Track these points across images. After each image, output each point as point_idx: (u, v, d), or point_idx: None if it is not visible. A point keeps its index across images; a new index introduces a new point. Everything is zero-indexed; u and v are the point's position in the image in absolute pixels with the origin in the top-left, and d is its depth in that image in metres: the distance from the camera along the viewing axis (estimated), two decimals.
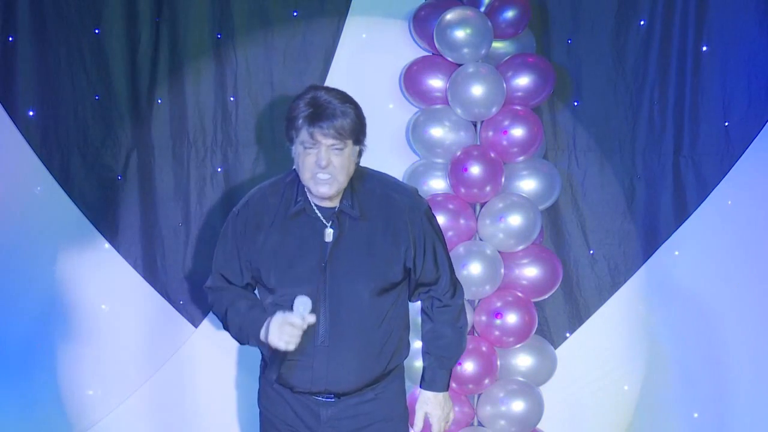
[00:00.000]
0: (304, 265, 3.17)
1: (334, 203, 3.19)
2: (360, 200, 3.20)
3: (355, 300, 3.17)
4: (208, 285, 3.38)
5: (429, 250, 3.27)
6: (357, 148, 3.16)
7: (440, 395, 3.38)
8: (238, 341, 3.30)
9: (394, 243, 3.20)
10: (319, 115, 3.05)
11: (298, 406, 3.25)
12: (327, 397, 3.23)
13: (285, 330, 3.04)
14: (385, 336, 3.23)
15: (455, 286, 3.36)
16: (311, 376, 3.19)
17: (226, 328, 3.34)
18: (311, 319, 3.06)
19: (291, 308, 3.06)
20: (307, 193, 3.19)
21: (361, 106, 3.20)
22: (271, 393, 3.30)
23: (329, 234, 3.17)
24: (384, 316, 3.22)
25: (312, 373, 3.19)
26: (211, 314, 4.42)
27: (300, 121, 3.07)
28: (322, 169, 3.07)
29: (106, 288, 4.39)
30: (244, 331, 3.23)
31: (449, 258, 3.36)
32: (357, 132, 3.12)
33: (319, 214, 3.19)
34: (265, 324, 3.13)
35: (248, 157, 4.44)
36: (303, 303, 3.04)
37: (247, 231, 3.25)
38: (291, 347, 3.07)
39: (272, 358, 3.16)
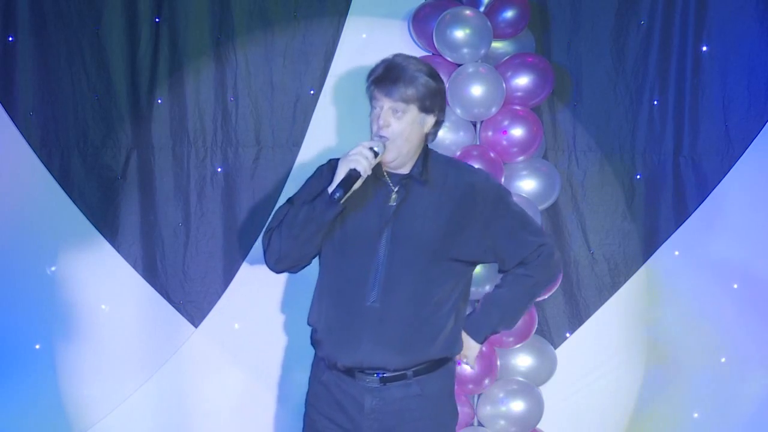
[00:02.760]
0: (366, 226, 3.18)
1: (406, 169, 3.22)
2: (431, 173, 3.23)
3: (412, 265, 3.16)
4: (269, 226, 3.27)
5: (499, 233, 3.25)
6: (426, 117, 3.19)
7: (470, 341, 3.34)
8: (295, 240, 3.18)
9: (458, 221, 3.20)
10: (385, 76, 3.13)
11: (343, 397, 3.21)
12: (373, 374, 3.17)
13: (355, 151, 3.07)
14: (437, 312, 3.20)
15: (541, 253, 3.32)
16: (358, 343, 3.15)
17: (281, 244, 3.21)
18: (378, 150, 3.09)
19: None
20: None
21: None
22: (318, 388, 3.28)
23: (394, 198, 3.19)
24: (439, 290, 3.20)
25: (358, 339, 3.15)
26: (211, 314, 4.43)
27: (370, 80, 3.17)
28: (380, 128, 3.13)
29: (106, 288, 4.38)
30: (311, 210, 3.15)
31: (530, 238, 3.30)
32: (423, 99, 3.15)
33: (389, 180, 3.22)
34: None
35: (248, 157, 4.44)
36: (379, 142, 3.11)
37: (326, 178, 3.22)
38: (359, 167, 3.04)
39: (341, 181, 3.08)
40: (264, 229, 3.31)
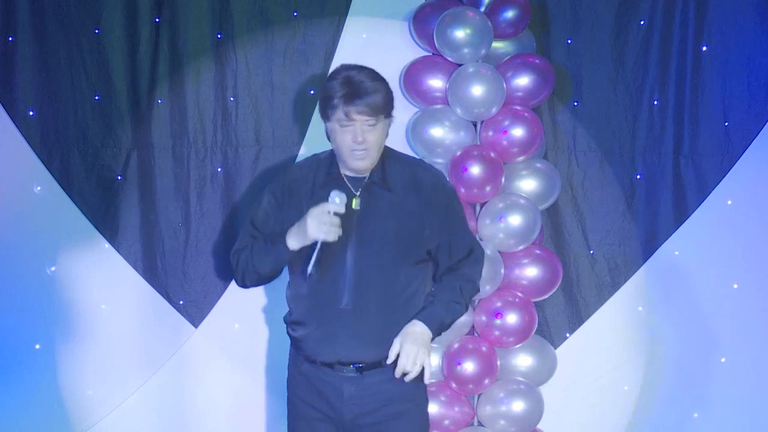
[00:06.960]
0: None
1: (365, 174, 3.32)
2: (389, 173, 3.33)
3: (380, 266, 3.27)
4: (236, 248, 3.43)
5: (452, 228, 3.37)
6: (388, 120, 3.30)
7: (420, 327, 3.28)
8: (257, 275, 3.36)
9: (418, 218, 3.30)
10: (353, 94, 3.19)
11: (323, 386, 3.34)
12: (353, 366, 3.29)
13: (324, 219, 3.15)
14: (408, 305, 3.31)
15: (472, 254, 3.42)
16: (335, 342, 3.28)
17: (244, 275, 3.39)
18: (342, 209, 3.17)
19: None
20: (340, 166, 3.33)
21: None
22: (298, 377, 3.40)
23: (357, 202, 3.29)
24: (407, 288, 3.31)
25: (335, 338, 3.28)
26: (210, 314, 4.43)
27: (336, 100, 3.21)
28: (359, 144, 3.21)
29: (106, 288, 4.38)
30: (268, 246, 3.30)
31: (470, 234, 3.46)
32: (387, 107, 3.27)
33: (349, 185, 3.30)
34: (296, 224, 3.22)
35: (248, 157, 4.45)
36: (338, 194, 3.17)
37: (281, 197, 3.37)
38: (331, 237, 3.15)
39: (310, 253, 3.19)
40: (233, 250, 3.42)
